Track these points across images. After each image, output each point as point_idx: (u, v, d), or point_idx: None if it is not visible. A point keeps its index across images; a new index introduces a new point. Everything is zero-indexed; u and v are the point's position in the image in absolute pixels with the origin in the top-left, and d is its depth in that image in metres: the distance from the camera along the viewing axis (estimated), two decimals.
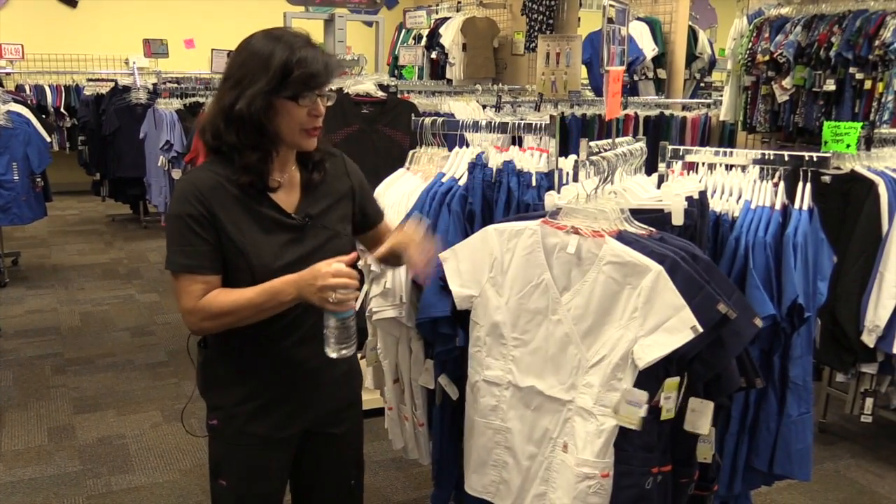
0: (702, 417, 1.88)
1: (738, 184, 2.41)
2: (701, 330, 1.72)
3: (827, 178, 3.35)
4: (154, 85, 7.44)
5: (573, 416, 1.90)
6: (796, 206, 2.32)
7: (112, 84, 8.16)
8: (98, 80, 8.98)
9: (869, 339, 3.33)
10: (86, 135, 8.42)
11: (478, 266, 2.05)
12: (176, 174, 5.88)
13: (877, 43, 4.36)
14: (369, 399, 2.40)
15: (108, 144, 7.79)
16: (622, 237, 1.86)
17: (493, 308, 2.02)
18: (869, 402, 3.46)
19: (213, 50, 7.43)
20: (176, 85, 7.05)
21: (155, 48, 9.07)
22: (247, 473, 1.93)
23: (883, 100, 4.38)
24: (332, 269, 1.66)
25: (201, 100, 6.18)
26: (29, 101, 7.27)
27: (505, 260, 2.00)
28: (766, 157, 2.40)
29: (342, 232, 1.93)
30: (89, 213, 9.38)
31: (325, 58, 1.75)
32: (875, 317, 3.30)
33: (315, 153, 1.87)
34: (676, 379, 1.82)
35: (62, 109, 9.61)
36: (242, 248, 1.76)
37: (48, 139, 6.22)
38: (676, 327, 1.73)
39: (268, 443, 1.92)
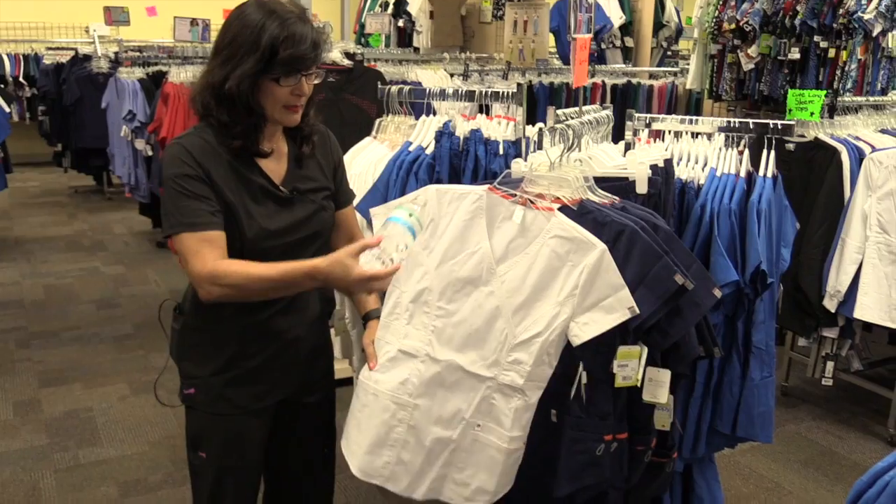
0: (660, 387, 1.86)
1: (703, 151, 2.42)
2: (637, 311, 1.69)
3: (791, 146, 3.40)
4: (116, 53, 7.28)
5: (493, 393, 1.80)
6: (760, 173, 2.34)
7: (72, 53, 7.98)
8: (58, 48, 8.77)
9: (830, 304, 3.40)
10: (46, 105, 8.23)
11: None
12: (139, 144, 5.79)
13: (841, 11, 4.40)
14: (338, 368, 2.39)
15: (69, 114, 7.63)
16: (584, 206, 1.83)
17: (421, 273, 1.89)
18: (830, 365, 3.52)
19: (175, 18, 7.29)
20: (138, 53, 6.90)
21: (116, 16, 8.85)
22: (226, 444, 1.92)
23: (846, 68, 4.43)
24: (368, 274, 1.67)
25: (164, 68, 6.06)
26: None
27: (442, 223, 1.88)
28: (732, 125, 2.41)
29: (328, 206, 1.94)
30: (51, 185, 9.22)
31: (315, 36, 1.73)
32: (836, 282, 3.36)
33: (304, 127, 1.87)
34: (635, 348, 1.79)
35: (21, 79, 9.36)
36: (234, 210, 1.75)
37: (7, 109, 6.09)
38: (613, 306, 1.70)
39: (246, 412, 1.91)
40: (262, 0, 1.73)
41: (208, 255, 1.68)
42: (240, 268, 1.69)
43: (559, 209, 1.81)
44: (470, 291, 1.83)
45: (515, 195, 1.84)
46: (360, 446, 1.92)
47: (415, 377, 1.86)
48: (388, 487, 1.90)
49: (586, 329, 1.72)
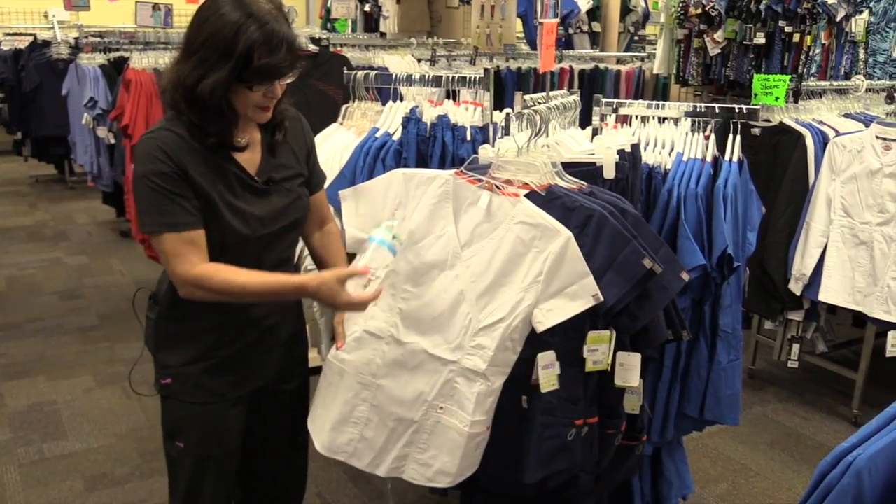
0: (631, 371, 1.88)
1: (670, 136, 2.43)
2: (602, 298, 1.71)
3: (756, 131, 3.41)
4: (76, 39, 7.12)
5: (455, 377, 1.83)
6: (726, 157, 2.35)
7: (31, 38, 7.79)
8: (16, 34, 8.55)
9: (796, 288, 3.43)
10: (5, 92, 8.02)
11: (378, 210, 1.97)
12: (101, 132, 5.66)
13: None
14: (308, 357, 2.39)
15: (29, 102, 7.45)
16: (552, 191, 1.83)
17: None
18: (795, 348, 3.56)
19: (137, 3, 7.16)
20: (99, 39, 6.74)
21: (75, 1, 8.68)
22: (205, 433, 1.91)
23: (811, 53, 4.47)
24: (357, 299, 1.72)
25: (126, 55, 5.94)
26: None
27: (409, 206, 1.91)
28: (698, 109, 2.42)
29: (303, 194, 1.92)
30: (11, 174, 8.99)
31: (290, 38, 1.68)
32: (802, 265, 3.40)
33: (276, 115, 1.84)
34: (605, 333, 1.81)
35: None
36: (214, 203, 1.72)
37: None
38: (578, 294, 1.72)
39: (225, 401, 1.91)
40: None
41: (193, 257, 1.69)
42: (226, 275, 1.71)
43: (527, 195, 1.81)
44: (435, 275, 1.85)
45: (482, 180, 1.84)
46: (324, 423, 1.97)
47: (378, 358, 1.90)
48: (352, 463, 1.95)
49: (550, 315, 1.73)
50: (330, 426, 1.95)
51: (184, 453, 1.93)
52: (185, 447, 1.92)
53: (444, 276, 1.84)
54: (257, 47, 1.62)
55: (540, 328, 1.75)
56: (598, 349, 1.81)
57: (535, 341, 1.80)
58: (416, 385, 1.86)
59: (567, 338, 1.81)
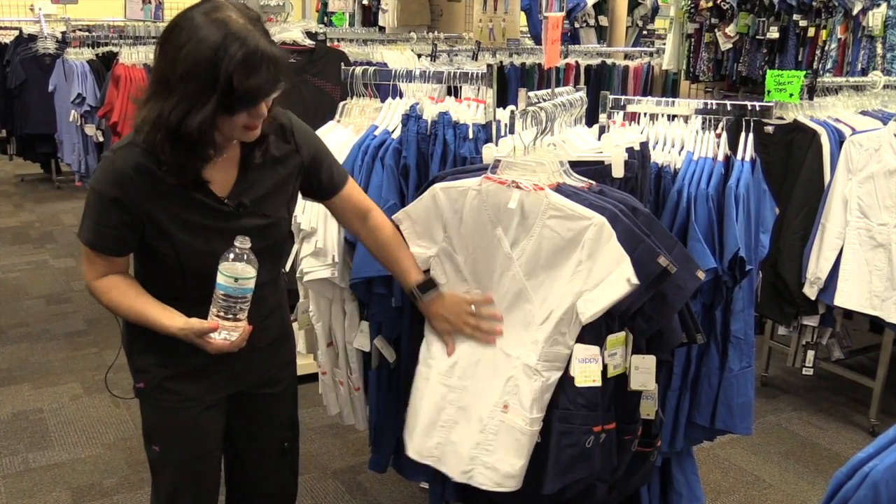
0: (647, 374, 1.89)
1: (680, 134, 2.40)
2: (636, 282, 1.72)
3: (770, 129, 3.37)
4: (63, 33, 7.04)
5: (517, 373, 1.87)
6: (738, 156, 2.33)
7: (16, 33, 7.70)
8: (0, 28, 8.48)
9: (810, 292, 3.37)
10: None
11: (432, 226, 2.01)
12: (89, 130, 5.58)
13: None
14: (303, 364, 2.38)
15: (14, 98, 7.38)
16: (560, 190, 1.83)
17: (451, 266, 2.00)
18: (810, 354, 3.52)
19: None
20: (87, 33, 6.65)
21: None
22: (178, 436, 1.90)
23: (826, 48, 4.40)
24: (225, 348, 1.71)
25: (115, 49, 5.85)
26: None
27: (455, 220, 1.96)
28: (709, 106, 2.40)
29: (281, 217, 1.84)
30: None
31: (269, 54, 1.56)
32: (817, 269, 3.34)
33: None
34: (621, 335, 1.82)
35: None
36: (168, 232, 1.69)
37: None
38: (615, 280, 1.73)
39: (199, 404, 1.89)
40: (215, 12, 1.54)
41: (98, 268, 1.76)
42: (113, 296, 1.75)
43: None
44: (497, 278, 1.93)
45: (508, 181, 1.86)
46: (413, 429, 2.06)
47: (463, 360, 1.99)
48: (439, 468, 2.01)
49: (590, 305, 1.77)
50: (419, 431, 2.03)
51: (160, 456, 1.93)
52: (160, 450, 1.92)
53: (504, 276, 1.91)
54: (236, 71, 1.51)
55: (583, 318, 1.77)
56: (616, 352, 1.83)
57: None
58: (489, 383, 1.93)
59: (584, 341, 1.82)
